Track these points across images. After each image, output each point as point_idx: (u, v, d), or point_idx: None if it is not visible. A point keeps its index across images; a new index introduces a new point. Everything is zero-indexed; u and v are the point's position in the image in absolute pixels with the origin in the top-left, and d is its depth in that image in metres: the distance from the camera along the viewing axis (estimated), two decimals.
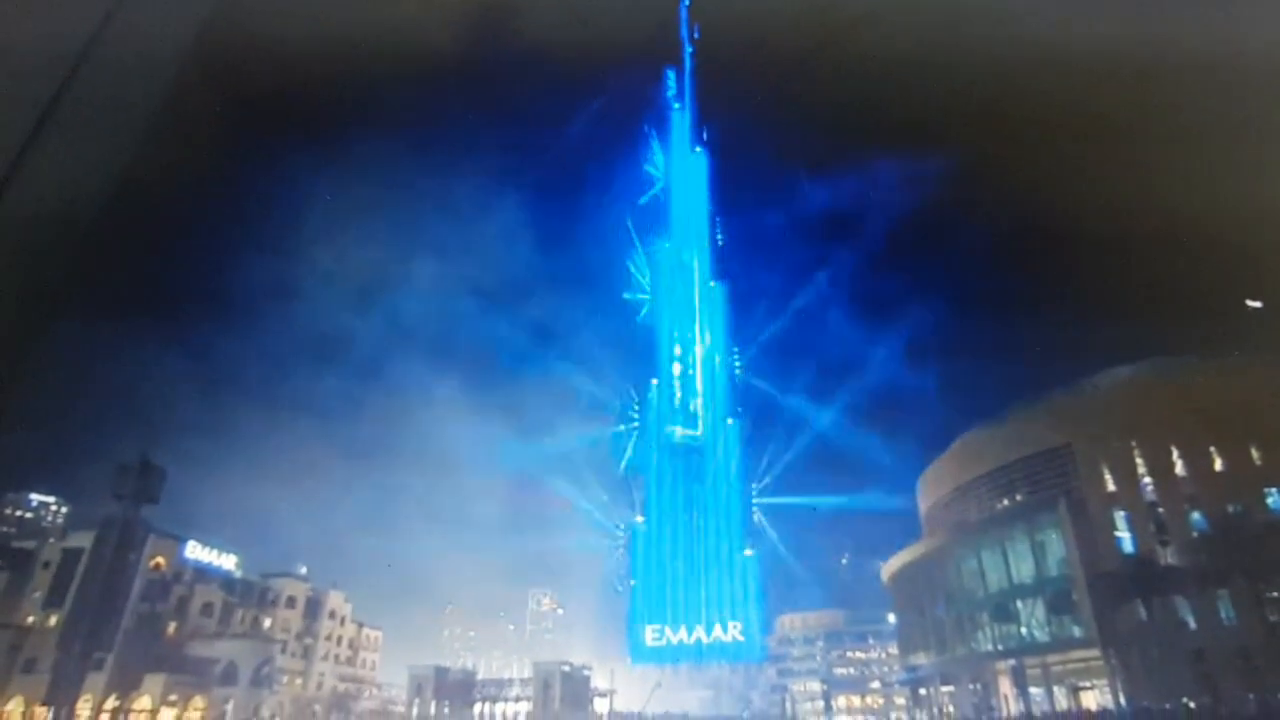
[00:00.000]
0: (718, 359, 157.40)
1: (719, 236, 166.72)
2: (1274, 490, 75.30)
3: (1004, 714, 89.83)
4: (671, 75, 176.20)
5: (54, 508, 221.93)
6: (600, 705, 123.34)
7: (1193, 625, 74.03)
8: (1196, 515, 77.14)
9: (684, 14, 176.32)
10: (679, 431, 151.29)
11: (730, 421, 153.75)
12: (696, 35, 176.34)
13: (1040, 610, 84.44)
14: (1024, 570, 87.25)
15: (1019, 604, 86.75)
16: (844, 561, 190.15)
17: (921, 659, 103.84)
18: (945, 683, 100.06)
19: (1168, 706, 68.41)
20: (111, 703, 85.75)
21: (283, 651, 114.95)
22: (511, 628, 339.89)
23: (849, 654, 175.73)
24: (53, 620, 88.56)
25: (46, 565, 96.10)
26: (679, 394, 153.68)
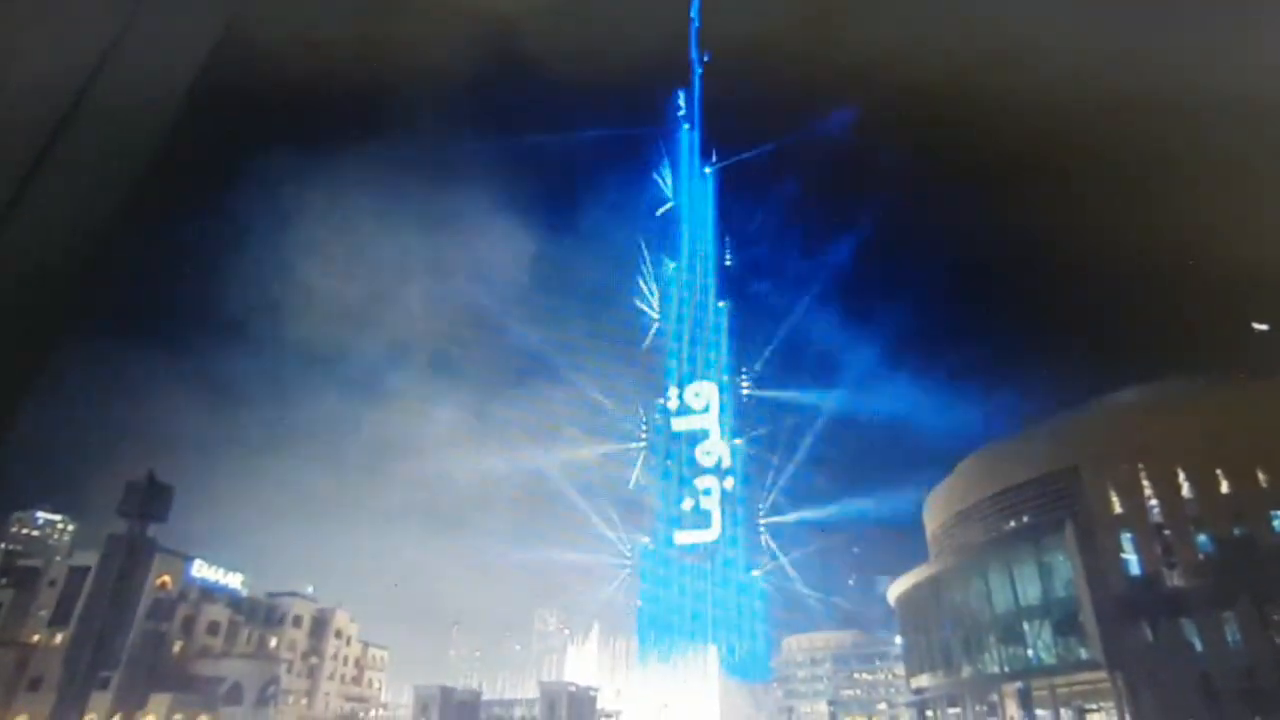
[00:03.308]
0: (725, 378, 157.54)
1: (726, 256, 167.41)
2: None
3: None
4: (681, 95, 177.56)
5: (60, 526, 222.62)
6: None
7: (1199, 647, 73.59)
8: (1203, 538, 76.88)
9: (694, 37, 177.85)
10: (691, 457, 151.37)
11: (739, 442, 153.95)
12: (705, 59, 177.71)
13: (1047, 632, 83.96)
14: (1031, 592, 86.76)
15: (1026, 626, 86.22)
16: (851, 583, 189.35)
17: (928, 681, 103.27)
18: (952, 704, 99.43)
19: None
20: None
21: (288, 671, 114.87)
22: (518, 647, 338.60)
23: (856, 675, 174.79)
24: (58, 638, 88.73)
25: (52, 583, 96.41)
26: (687, 412, 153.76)
